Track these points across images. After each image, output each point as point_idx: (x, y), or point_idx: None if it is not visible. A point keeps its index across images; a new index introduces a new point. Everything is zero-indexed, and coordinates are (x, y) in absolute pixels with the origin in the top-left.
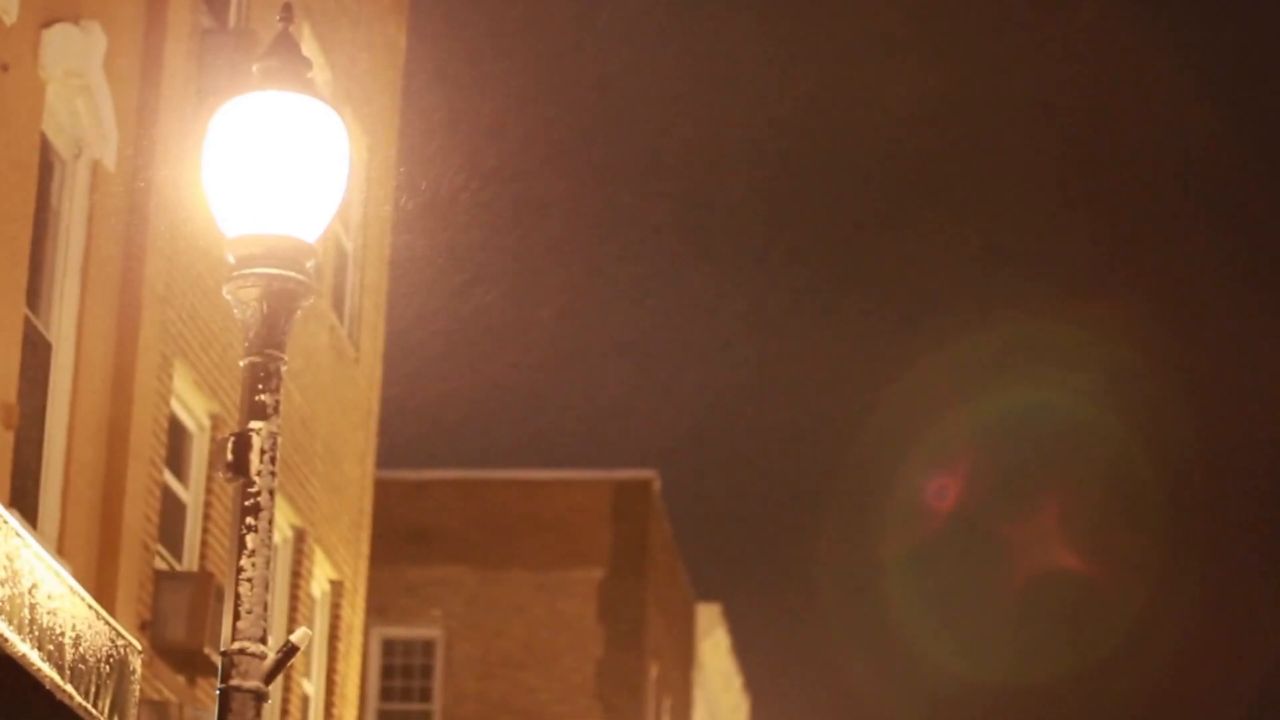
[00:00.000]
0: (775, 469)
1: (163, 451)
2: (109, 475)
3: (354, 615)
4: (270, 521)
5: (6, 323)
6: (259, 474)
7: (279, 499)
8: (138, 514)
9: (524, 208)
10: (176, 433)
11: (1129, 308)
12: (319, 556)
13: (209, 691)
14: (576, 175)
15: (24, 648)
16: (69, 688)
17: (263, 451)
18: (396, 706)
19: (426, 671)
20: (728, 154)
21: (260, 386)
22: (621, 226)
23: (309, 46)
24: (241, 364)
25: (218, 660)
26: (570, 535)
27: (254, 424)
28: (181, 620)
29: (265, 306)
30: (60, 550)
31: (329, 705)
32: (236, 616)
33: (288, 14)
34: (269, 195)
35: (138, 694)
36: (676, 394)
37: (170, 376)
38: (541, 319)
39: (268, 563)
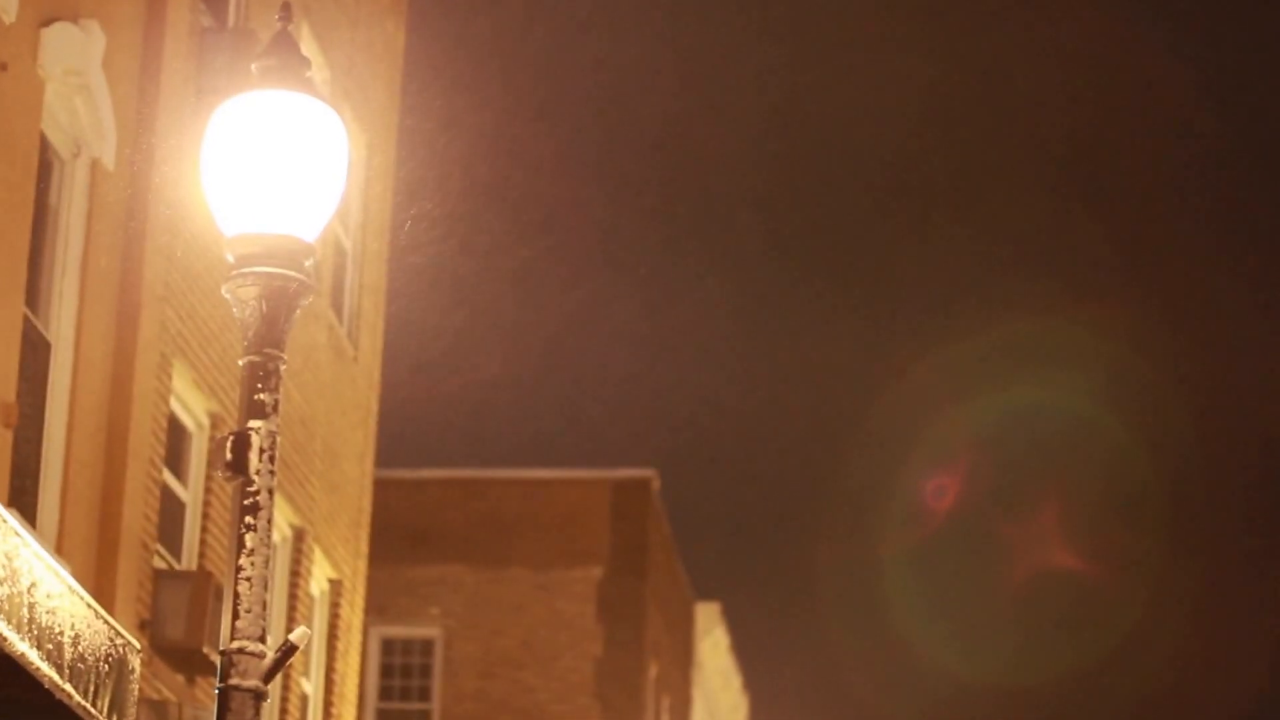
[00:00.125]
0: (775, 468)
1: (162, 451)
2: (108, 474)
3: (353, 614)
4: (269, 521)
5: (6, 322)
6: (258, 473)
7: (278, 498)
8: (137, 513)
9: (524, 207)
10: (175, 432)
11: (1129, 308)
12: (318, 555)
13: (208, 690)
14: (576, 175)
15: (23, 647)
16: (68, 687)
17: (262, 451)
18: (395, 706)
19: (425, 671)
20: (728, 154)
21: (259, 385)
22: (622, 226)
23: (308, 45)
24: (240, 363)
25: (217, 659)
26: (569, 534)
27: (253, 423)
28: (180, 619)
29: (264, 305)
30: (59, 549)
31: (328, 704)
32: (235, 615)
33: (286, 13)
34: (268, 194)
35: (137, 693)
36: (676, 394)
37: (169, 376)
38: (541, 319)
39: (267, 562)
